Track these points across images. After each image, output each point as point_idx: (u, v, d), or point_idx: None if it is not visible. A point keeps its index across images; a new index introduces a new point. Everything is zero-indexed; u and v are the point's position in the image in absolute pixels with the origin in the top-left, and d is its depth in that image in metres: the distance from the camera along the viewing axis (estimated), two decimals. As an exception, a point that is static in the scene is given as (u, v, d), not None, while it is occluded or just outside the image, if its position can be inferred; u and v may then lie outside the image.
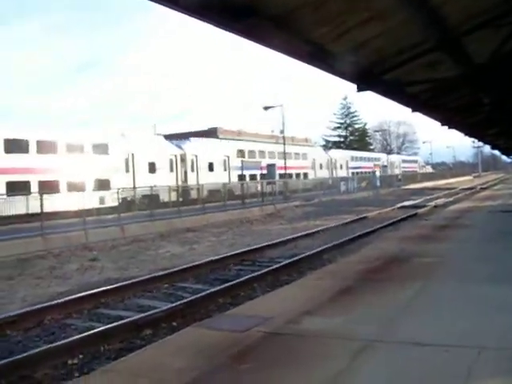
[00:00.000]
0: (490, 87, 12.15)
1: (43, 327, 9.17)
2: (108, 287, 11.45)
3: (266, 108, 44.19)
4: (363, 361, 4.89)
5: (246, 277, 12.13)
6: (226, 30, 6.55)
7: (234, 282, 11.60)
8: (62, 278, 13.95)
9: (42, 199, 20.82)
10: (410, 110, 14.01)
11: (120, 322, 8.58)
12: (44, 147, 29.67)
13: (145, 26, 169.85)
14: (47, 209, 22.56)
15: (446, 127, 19.28)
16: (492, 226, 15.32)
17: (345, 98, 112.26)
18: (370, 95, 11.72)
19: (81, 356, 7.42)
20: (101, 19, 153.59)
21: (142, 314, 9.02)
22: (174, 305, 9.69)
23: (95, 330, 8.14)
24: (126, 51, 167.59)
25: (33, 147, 29.07)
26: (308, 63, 7.95)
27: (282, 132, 47.04)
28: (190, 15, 5.89)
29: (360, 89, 9.99)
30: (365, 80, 9.77)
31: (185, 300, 10.09)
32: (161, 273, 13.10)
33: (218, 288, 11.05)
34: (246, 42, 6.72)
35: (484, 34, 9.35)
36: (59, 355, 7.27)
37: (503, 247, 10.94)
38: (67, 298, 10.52)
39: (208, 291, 10.77)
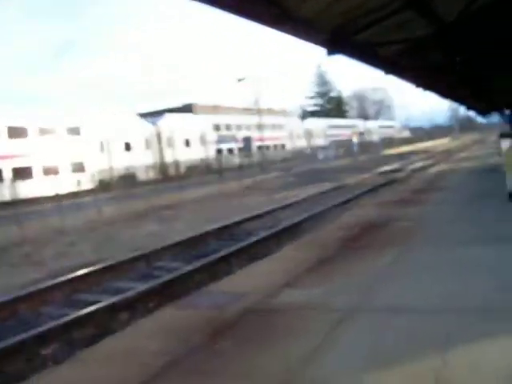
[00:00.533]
0: (459, 46, 11.96)
1: (17, 317, 8.93)
2: (83, 271, 11.20)
3: (240, 80, 43.66)
4: (342, 332, 4.79)
5: (224, 252, 11.95)
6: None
7: (212, 257, 11.42)
8: (38, 264, 13.64)
9: (14, 186, 20.35)
10: (383, 72, 13.75)
11: (95, 307, 8.36)
12: (15, 133, 29.06)
13: (117, 10, 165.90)
14: (23, 195, 22.27)
15: (421, 89, 19.09)
16: (468, 188, 15.34)
17: (319, 67, 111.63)
18: (344, 62, 11.49)
19: (55, 345, 7.23)
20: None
21: (117, 297, 8.82)
22: (150, 286, 9.50)
23: (69, 317, 7.92)
24: (100, 33, 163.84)
25: (3, 133, 28.43)
26: (273, 27, 7.61)
27: (256, 103, 46.58)
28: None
29: (330, 53, 9.67)
30: (334, 43, 9.45)
31: (161, 280, 9.88)
32: (137, 253, 12.86)
33: (196, 265, 10.87)
34: (217, 13, 6.36)
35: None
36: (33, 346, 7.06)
37: (477, 209, 10.96)
38: (41, 286, 10.25)
39: (185, 269, 10.58)
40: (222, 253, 11.89)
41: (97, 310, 8.25)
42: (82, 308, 8.57)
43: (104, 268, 11.43)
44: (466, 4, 9.37)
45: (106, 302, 8.67)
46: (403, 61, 13.49)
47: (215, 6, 5.88)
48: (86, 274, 10.98)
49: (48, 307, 9.39)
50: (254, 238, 13.34)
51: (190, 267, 10.73)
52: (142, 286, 9.58)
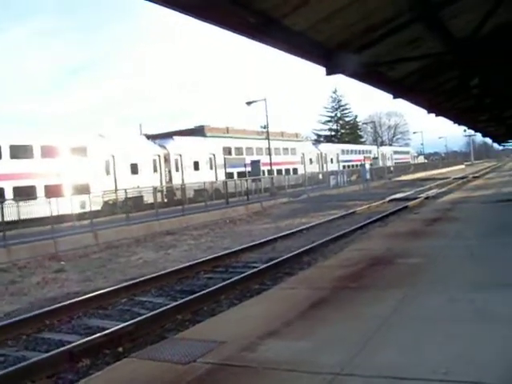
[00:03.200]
0: (476, 67, 11.02)
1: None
2: (58, 305, 10.28)
3: (249, 103, 42.98)
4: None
5: (214, 287, 10.96)
6: (166, 6, 5.36)
7: (199, 294, 10.42)
8: (17, 294, 12.74)
9: (2, 208, 19.49)
10: (391, 96, 12.80)
11: (52, 353, 7.37)
12: (18, 152, 28.46)
13: (132, 30, 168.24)
14: (22, 216, 21.60)
15: (433, 115, 18.11)
16: (485, 219, 14.33)
17: (335, 91, 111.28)
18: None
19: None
20: (85, 23, 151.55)
21: (82, 340, 7.82)
22: (122, 326, 8.48)
23: (19, 365, 6.93)
24: (115, 55, 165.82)
25: (5, 152, 27.84)
26: (261, 41, 6.75)
27: (265, 127, 45.87)
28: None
29: (329, 72, 8.78)
30: (333, 62, 8.55)
31: (138, 319, 8.89)
32: (123, 284, 11.94)
33: (180, 302, 9.89)
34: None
35: (465, 6, 8.24)
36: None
37: (496, 242, 9.95)
38: (5, 322, 9.34)
39: (167, 307, 9.59)
40: (211, 288, 10.91)
41: (51, 357, 7.25)
42: (43, 352, 7.64)
43: (80, 301, 10.50)
44: (480, 21, 8.46)
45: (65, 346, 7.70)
46: (414, 84, 12.55)
47: (177, 10, 5.03)
48: (57, 309, 10.03)
49: (2, 349, 8.43)
50: (249, 271, 12.35)
51: (171, 305, 9.76)
52: (113, 326, 8.58)
